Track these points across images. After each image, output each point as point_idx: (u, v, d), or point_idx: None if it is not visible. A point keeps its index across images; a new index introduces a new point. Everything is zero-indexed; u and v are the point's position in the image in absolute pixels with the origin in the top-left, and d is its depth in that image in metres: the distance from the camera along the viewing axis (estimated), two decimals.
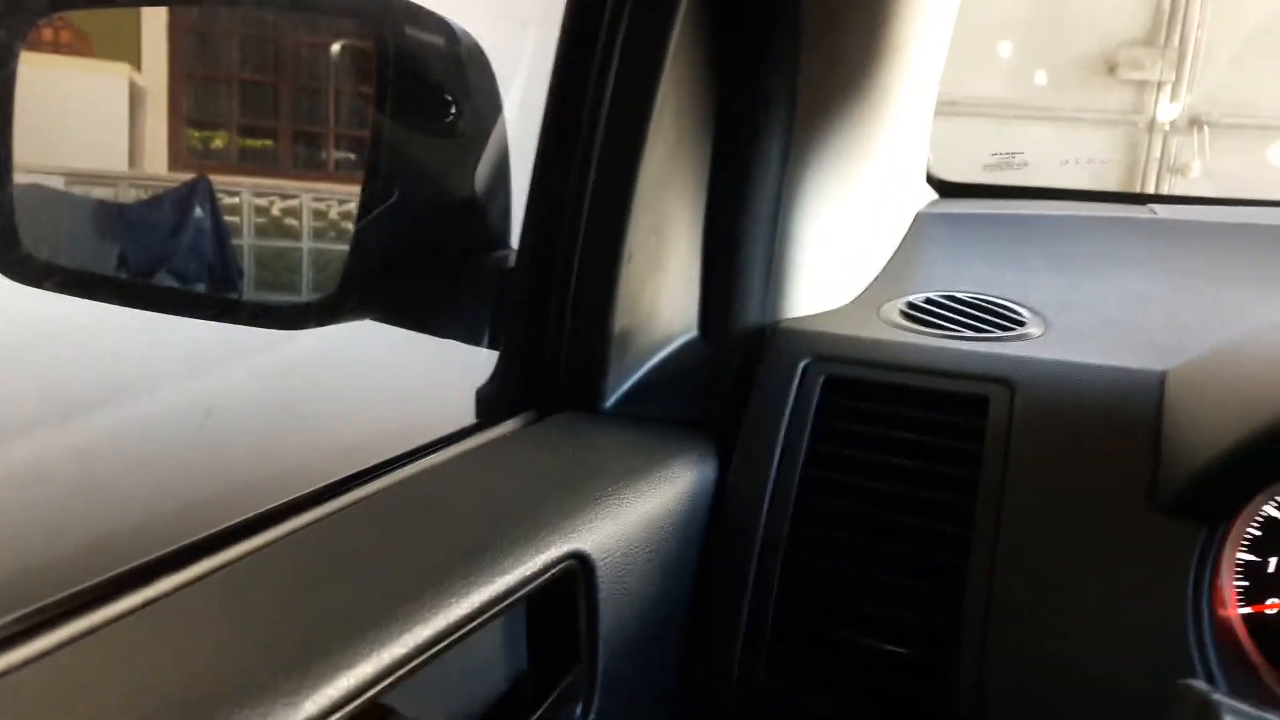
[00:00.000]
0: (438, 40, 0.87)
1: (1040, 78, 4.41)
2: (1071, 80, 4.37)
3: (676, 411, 0.80)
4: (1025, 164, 3.89)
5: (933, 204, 1.17)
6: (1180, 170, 4.21)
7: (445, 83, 0.88)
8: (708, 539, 0.72)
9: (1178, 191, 4.25)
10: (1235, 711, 0.42)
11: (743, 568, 0.71)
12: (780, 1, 0.73)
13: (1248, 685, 0.76)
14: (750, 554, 0.71)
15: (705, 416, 0.79)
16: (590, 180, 0.74)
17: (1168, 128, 4.32)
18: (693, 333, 0.88)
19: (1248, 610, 0.77)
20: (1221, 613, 0.73)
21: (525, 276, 0.79)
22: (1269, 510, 0.78)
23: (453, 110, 0.88)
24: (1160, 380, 0.73)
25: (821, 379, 0.74)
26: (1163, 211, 1.10)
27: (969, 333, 0.81)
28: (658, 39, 0.70)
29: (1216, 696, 0.42)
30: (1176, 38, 4.25)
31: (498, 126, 0.88)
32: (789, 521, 0.71)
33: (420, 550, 0.54)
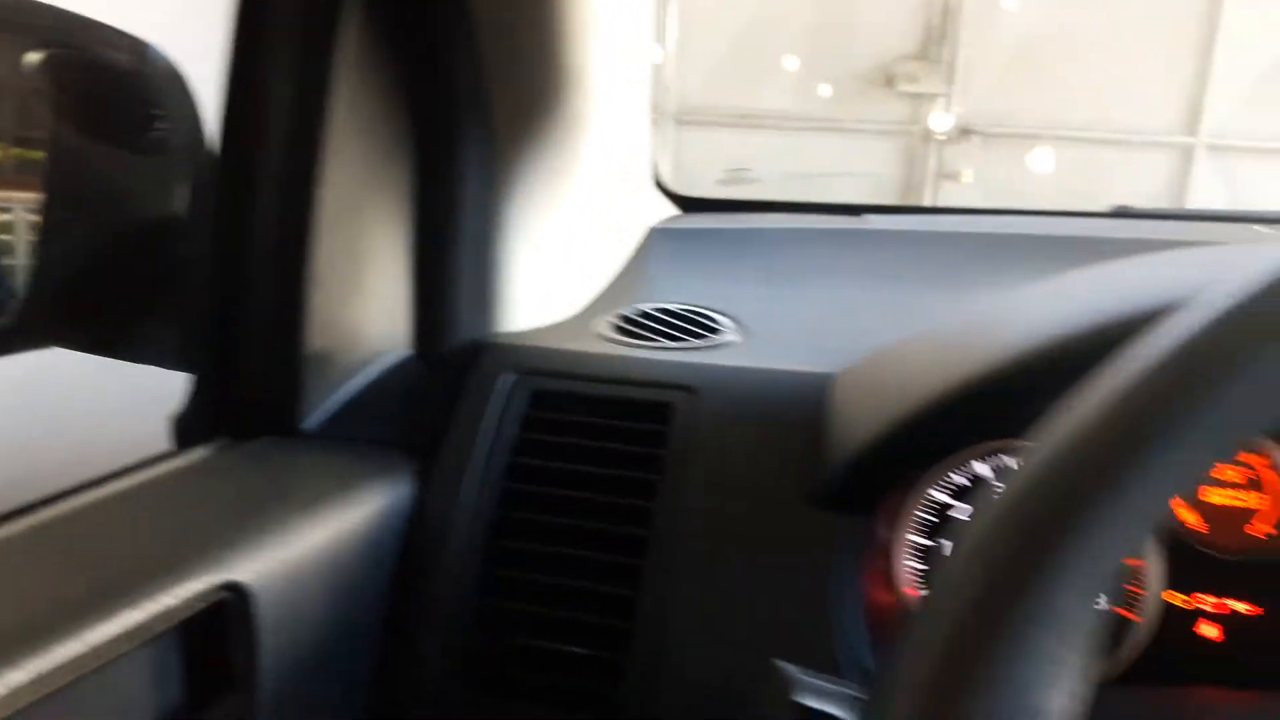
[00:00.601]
0: (126, 57, 0.84)
1: (827, 91, 4.64)
2: (855, 94, 4.61)
3: (383, 432, 0.80)
4: (757, 180, 4.09)
5: (673, 219, 1.21)
6: (952, 177, 4.52)
7: (137, 99, 0.85)
8: (404, 559, 0.73)
9: (952, 196, 4.57)
10: (814, 688, 0.45)
11: (439, 585, 0.72)
12: (451, 32, 0.74)
13: None
14: (446, 571, 0.72)
15: (410, 436, 0.79)
16: (270, 202, 0.74)
17: (942, 137, 4.63)
18: (405, 352, 0.88)
19: (919, 592, 0.84)
20: (881, 599, 0.79)
21: (215, 297, 0.78)
22: (935, 493, 0.85)
23: (145, 127, 0.85)
24: (830, 381, 0.78)
25: (524, 393, 0.76)
26: (875, 222, 1.18)
27: (670, 343, 0.85)
28: (322, 65, 0.70)
29: (799, 675, 0.46)
30: (946, 53, 4.56)
31: (193, 144, 0.85)
32: (486, 537, 0.72)
33: (65, 583, 0.52)
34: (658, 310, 0.90)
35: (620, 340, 0.84)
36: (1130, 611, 0.81)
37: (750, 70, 4.71)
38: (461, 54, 0.74)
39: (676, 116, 4.75)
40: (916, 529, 0.85)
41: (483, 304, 0.83)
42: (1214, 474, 0.83)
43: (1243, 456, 0.83)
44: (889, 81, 4.64)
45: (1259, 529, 0.81)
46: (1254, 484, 0.82)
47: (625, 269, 1.01)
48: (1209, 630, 0.80)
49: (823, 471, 0.68)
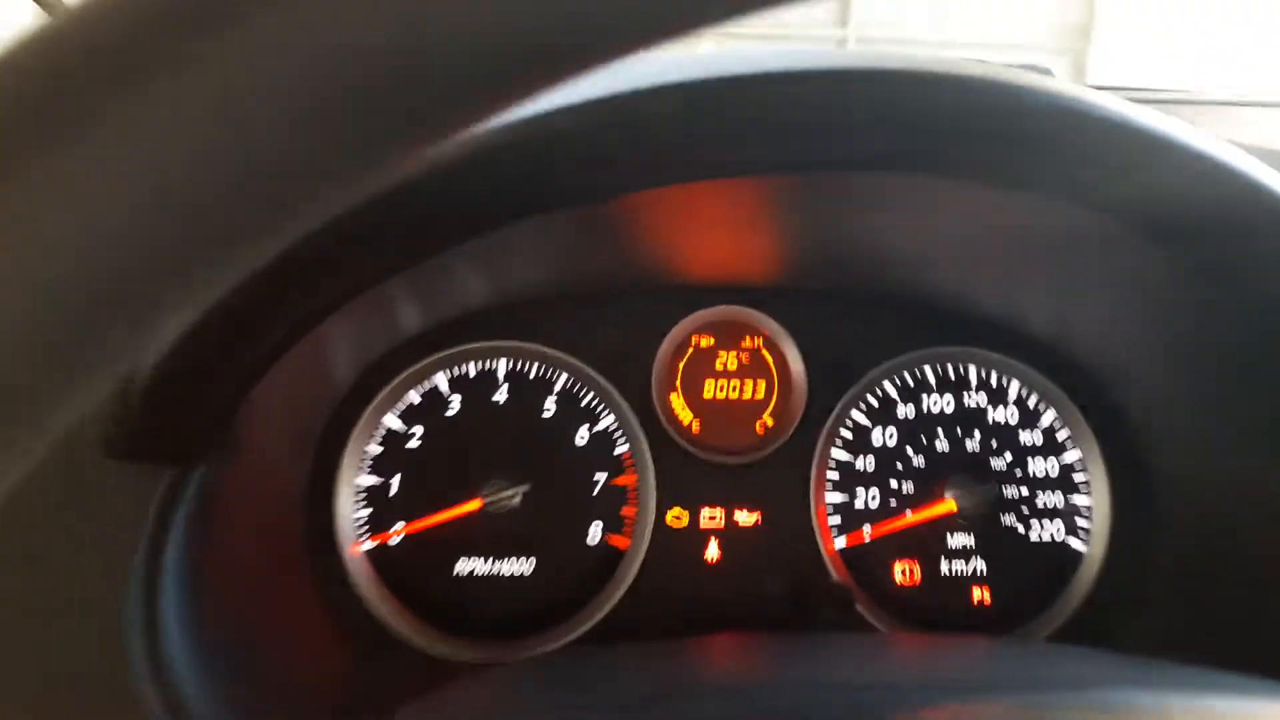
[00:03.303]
0: None
1: None
2: None
3: None
4: None
5: None
6: None
7: None
8: None
9: None
10: None
11: None
12: None
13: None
14: None
15: None
16: None
17: None
18: None
19: (371, 545, 0.65)
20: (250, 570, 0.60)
21: None
22: (390, 421, 0.66)
23: None
24: None
25: None
26: None
27: None
28: None
29: None
30: None
31: None
32: None
33: None
34: None
35: None
36: (622, 537, 0.67)
37: None
38: None
39: None
40: (368, 467, 0.66)
41: None
42: (717, 364, 0.70)
43: (745, 341, 0.70)
44: None
45: (763, 423, 0.69)
46: (754, 369, 0.69)
47: None
48: (711, 553, 0.67)
49: (124, 418, 0.45)
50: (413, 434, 0.66)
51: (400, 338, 0.65)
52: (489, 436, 0.66)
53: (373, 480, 0.66)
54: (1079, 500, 0.68)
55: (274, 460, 0.59)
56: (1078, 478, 0.68)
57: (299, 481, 0.63)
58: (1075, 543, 0.67)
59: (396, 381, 0.66)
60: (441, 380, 0.67)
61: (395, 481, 0.66)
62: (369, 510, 0.66)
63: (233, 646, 0.49)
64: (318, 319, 0.41)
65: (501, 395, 0.67)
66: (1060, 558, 0.67)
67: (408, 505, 0.66)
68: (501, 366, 0.67)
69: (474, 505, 0.64)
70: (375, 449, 0.66)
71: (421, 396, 0.67)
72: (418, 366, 0.67)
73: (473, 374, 0.67)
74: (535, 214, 0.38)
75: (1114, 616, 0.66)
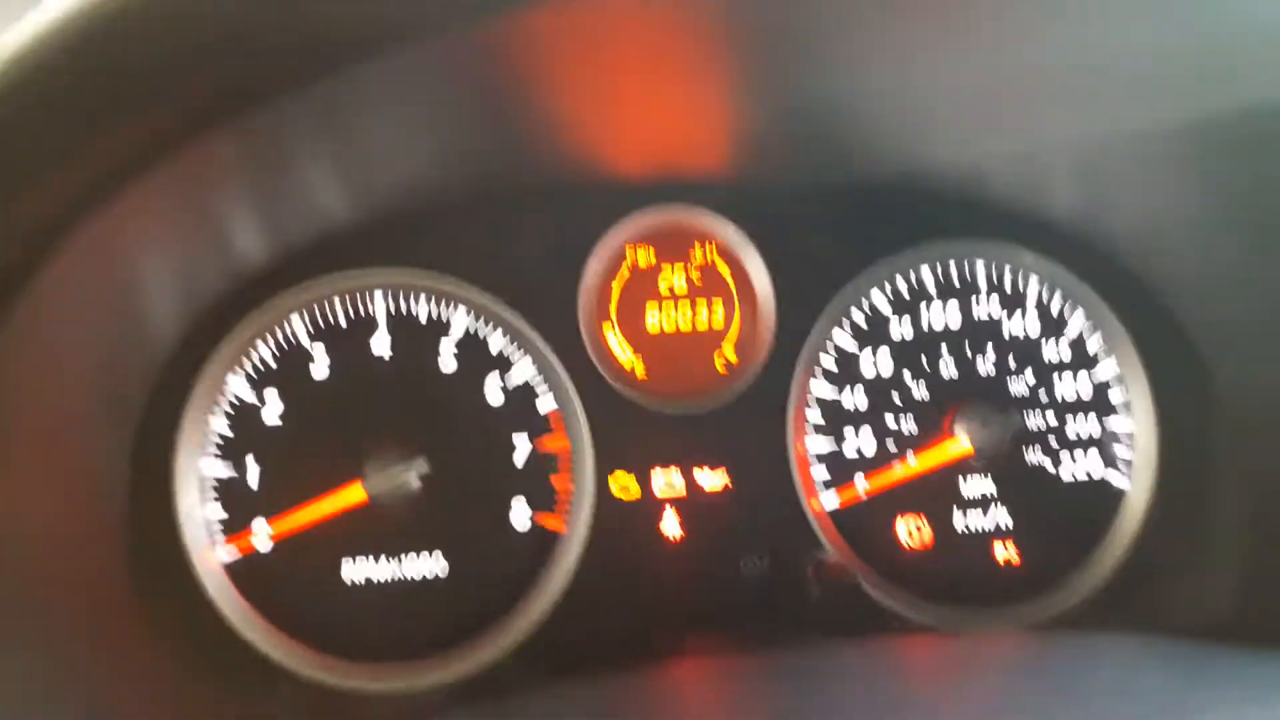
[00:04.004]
0: None
1: None
2: None
3: None
4: None
5: None
6: None
7: None
8: None
9: None
10: None
11: None
12: None
13: None
14: None
15: None
16: None
17: None
18: None
19: (228, 550, 0.50)
20: None
21: None
22: (237, 387, 0.50)
23: None
24: None
25: None
26: None
27: None
28: None
29: None
30: None
31: None
32: None
33: None
34: None
35: None
36: (555, 516, 0.52)
37: None
38: None
39: None
40: (215, 450, 0.50)
41: None
42: (661, 284, 0.54)
43: (694, 253, 0.54)
44: None
45: (723, 357, 0.54)
46: (709, 288, 0.54)
47: None
48: (671, 528, 0.53)
49: None
50: (267, 402, 0.50)
51: (240, 272, 0.48)
52: (369, 401, 0.51)
53: (223, 468, 0.50)
54: (1118, 425, 0.55)
55: (71, 447, 0.43)
56: (1115, 397, 0.55)
57: (115, 473, 0.47)
58: (1116, 478, 0.55)
59: (239, 331, 0.50)
60: (300, 327, 0.51)
61: (251, 466, 0.50)
62: (222, 507, 0.50)
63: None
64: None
65: (382, 345, 0.51)
66: (1099, 498, 0.55)
67: (270, 497, 0.50)
68: (379, 306, 0.51)
69: (357, 492, 0.49)
70: (222, 427, 0.50)
71: (276, 351, 0.50)
72: (266, 310, 0.50)
73: (341, 318, 0.51)
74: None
75: (1164, 573, 0.54)
